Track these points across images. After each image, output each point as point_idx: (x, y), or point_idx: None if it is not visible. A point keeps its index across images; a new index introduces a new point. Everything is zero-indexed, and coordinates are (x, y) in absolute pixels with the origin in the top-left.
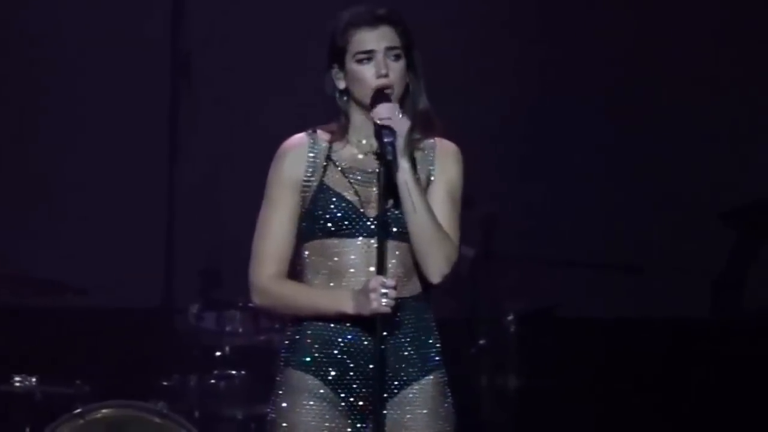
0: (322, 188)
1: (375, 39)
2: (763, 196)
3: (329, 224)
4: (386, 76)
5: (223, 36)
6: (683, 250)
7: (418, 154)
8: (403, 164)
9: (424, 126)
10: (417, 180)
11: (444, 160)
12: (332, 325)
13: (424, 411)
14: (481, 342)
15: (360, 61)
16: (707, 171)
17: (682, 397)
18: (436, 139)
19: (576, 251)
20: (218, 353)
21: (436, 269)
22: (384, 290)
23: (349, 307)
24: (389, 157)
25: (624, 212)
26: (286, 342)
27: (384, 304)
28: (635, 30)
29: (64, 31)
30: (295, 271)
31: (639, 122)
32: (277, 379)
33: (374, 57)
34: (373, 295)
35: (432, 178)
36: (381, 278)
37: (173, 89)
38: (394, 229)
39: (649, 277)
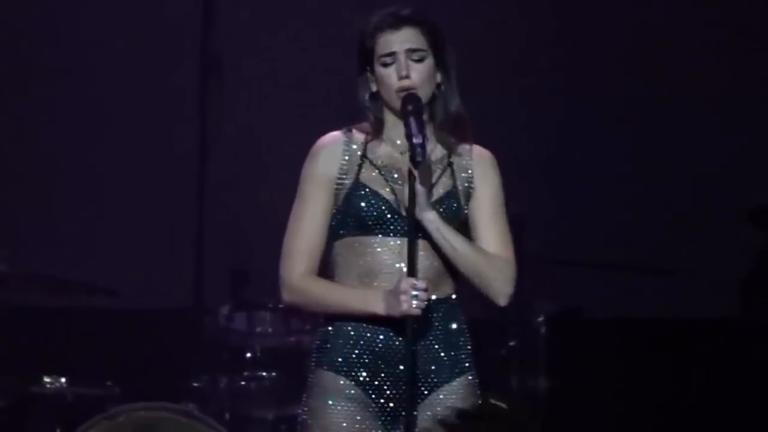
0: (358, 186)
1: (397, 41)
2: None
3: (365, 222)
4: (407, 77)
5: (254, 35)
6: (713, 250)
7: (454, 159)
8: (428, 215)
9: (456, 128)
10: (445, 223)
11: (483, 168)
12: (364, 325)
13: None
14: (512, 344)
15: (384, 64)
16: (735, 170)
17: (714, 398)
18: (472, 145)
19: (606, 253)
20: (248, 354)
21: (499, 294)
22: (415, 292)
23: (379, 307)
24: (419, 159)
25: (653, 213)
26: (317, 343)
27: (414, 306)
28: (649, 31)
29: (94, 29)
30: (326, 269)
31: (664, 122)
32: (309, 380)
33: (396, 59)
34: (403, 297)
35: (472, 188)
36: (412, 280)
37: (203, 88)
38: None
39: (679, 278)
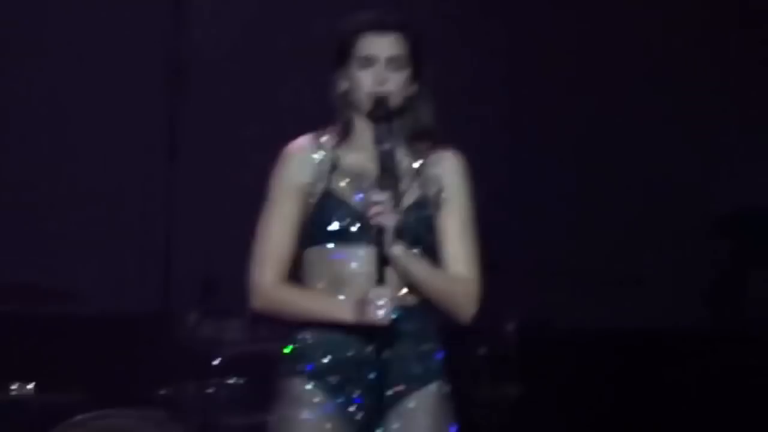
0: (328, 194)
1: (379, 46)
2: (757, 203)
3: (334, 231)
4: (384, 84)
5: (220, 44)
6: (681, 260)
7: (425, 166)
8: (396, 251)
9: (427, 137)
10: (413, 255)
11: (454, 176)
12: (334, 333)
13: (425, 421)
14: (482, 353)
15: (362, 67)
16: (702, 180)
17: (681, 408)
18: (442, 151)
19: (575, 262)
20: (217, 361)
21: (464, 315)
22: (382, 301)
23: (348, 315)
24: (387, 165)
25: (622, 223)
26: (287, 350)
27: (382, 315)
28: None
29: (60, 38)
30: (296, 276)
31: (633, 133)
32: (279, 388)
33: (375, 64)
34: (372, 306)
35: (443, 196)
36: (380, 289)
37: (171, 95)
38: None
39: (648, 287)
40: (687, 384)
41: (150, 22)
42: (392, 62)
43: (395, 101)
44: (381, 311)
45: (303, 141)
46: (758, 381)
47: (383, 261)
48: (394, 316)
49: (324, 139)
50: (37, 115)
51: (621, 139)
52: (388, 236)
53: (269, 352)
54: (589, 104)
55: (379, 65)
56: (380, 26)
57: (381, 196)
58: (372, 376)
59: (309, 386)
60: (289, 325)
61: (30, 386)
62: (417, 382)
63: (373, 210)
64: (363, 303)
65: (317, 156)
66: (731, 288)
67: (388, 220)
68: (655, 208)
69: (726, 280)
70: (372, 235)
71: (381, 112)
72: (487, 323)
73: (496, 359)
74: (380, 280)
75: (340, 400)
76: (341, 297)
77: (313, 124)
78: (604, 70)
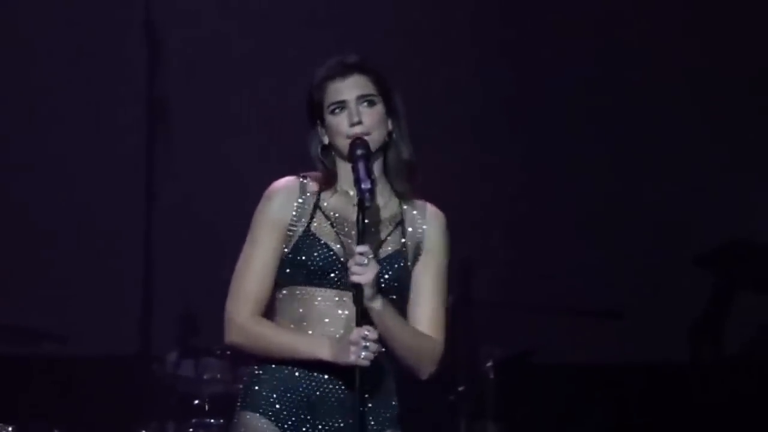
0: (308, 235)
1: (346, 88)
2: (738, 238)
3: (310, 272)
4: (360, 123)
5: (199, 79)
6: (661, 295)
7: (407, 215)
8: (376, 305)
9: (409, 177)
10: (391, 310)
11: (435, 233)
12: (297, 372)
13: None
14: (460, 389)
15: (333, 112)
16: (683, 215)
17: None
18: (425, 203)
19: (554, 297)
20: (196, 401)
21: (422, 374)
22: (366, 343)
23: (325, 354)
24: (367, 204)
25: (602, 257)
26: (244, 384)
27: (363, 357)
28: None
29: (40, 72)
30: (266, 313)
31: (611, 168)
32: (234, 421)
33: (347, 106)
34: (353, 348)
35: (421, 249)
36: (363, 330)
37: (149, 134)
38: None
39: (628, 322)
40: (669, 418)
41: (127, 60)
42: (362, 100)
43: (375, 137)
44: (361, 353)
45: (288, 180)
46: (741, 413)
47: (363, 313)
48: (372, 359)
49: (307, 180)
50: (14, 155)
51: (602, 172)
52: (367, 291)
53: None
54: (573, 140)
55: (350, 107)
56: (342, 70)
57: (362, 249)
58: (340, 420)
59: (264, 422)
60: (252, 360)
61: (10, 428)
62: (378, 427)
63: (353, 266)
64: (342, 343)
65: (301, 196)
66: (712, 321)
67: (368, 277)
68: (635, 242)
69: (707, 313)
70: (349, 285)
71: (359, 151)
72: (466, 359)
73: (475, 396)
74: (359, 320)
75: None
76: (319, 335)
77: (294, 160)
78: (585, 116)
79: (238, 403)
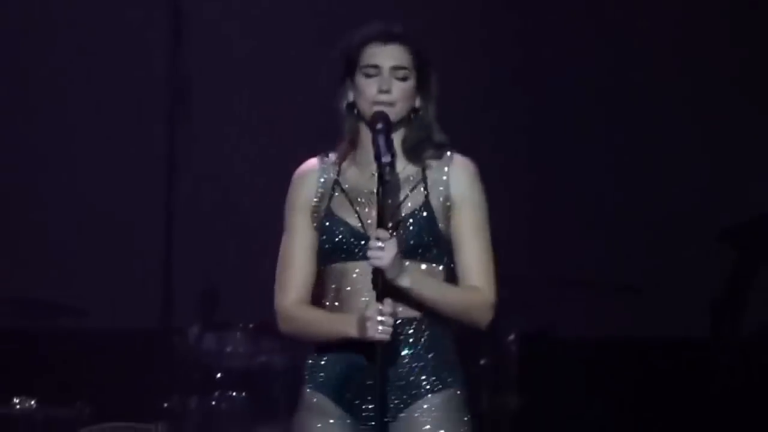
0: (329, 213)
1: (383, 55)
2: (763, 214)
3: (333, 248)
4: (388, 92)
5: (220, 62)
6: (683, 269)
7: (429, 173)
8: (404, 282)
9: (431, 150)
10: (423, 280)
11: (462, 182)
12: (348, 348)
13: (435, 429)
14: (483, 361)
15: (367, 75)
16: (705, 191)
17: (683, 417)
18: (452, 155)
19: (576, 271)
20: (219, 374)
21: (480, 324)
22: (381, 318)
23: (353, 331)
24: (387, 178)
25: (623, 232)
26: (307, 362)
27: (380, 331)
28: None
29: (62, 56)
30: (315, 294)
31: (635, 142)
32: (299, 398)
33: (380, 73)
34: (369, 324)
35: (450, 203)
36: (378, 305)
37: (171, 113)
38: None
39: (649, 297)
40: (688, 393)
41: (149, 41)
42: (396, 71)
43: (399, 110)
44: (377, 328)
45: (309, 163)
46: (759, 389)
47: (381, 294)
48: (391, 332)
49: (328, 158)
50: (36, 132)
51: (622, 150)
52: (390, 273)
53: (271, 365)
54: (592, 117)
55: (383, 74)
56: (385, 37)
57: (379, 234)
58: (378, 388)
59: (322, 397)
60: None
61: (32, 401)
62: (424, 390)
63: (370, 251)
64: (363, 319)
65: (322, 175)
66: (732, 297)
67: (386, 260)
68: (654, 219)
69: (728, 291)
70: (371, 268)
71: (380, 124)
72: (488, 332)
73: (497, 369)
74: (378, 296)
75: (352, 411)
76: (347, 314)
77: (314, 143)
78: (604, 82)
79: (302, 381)
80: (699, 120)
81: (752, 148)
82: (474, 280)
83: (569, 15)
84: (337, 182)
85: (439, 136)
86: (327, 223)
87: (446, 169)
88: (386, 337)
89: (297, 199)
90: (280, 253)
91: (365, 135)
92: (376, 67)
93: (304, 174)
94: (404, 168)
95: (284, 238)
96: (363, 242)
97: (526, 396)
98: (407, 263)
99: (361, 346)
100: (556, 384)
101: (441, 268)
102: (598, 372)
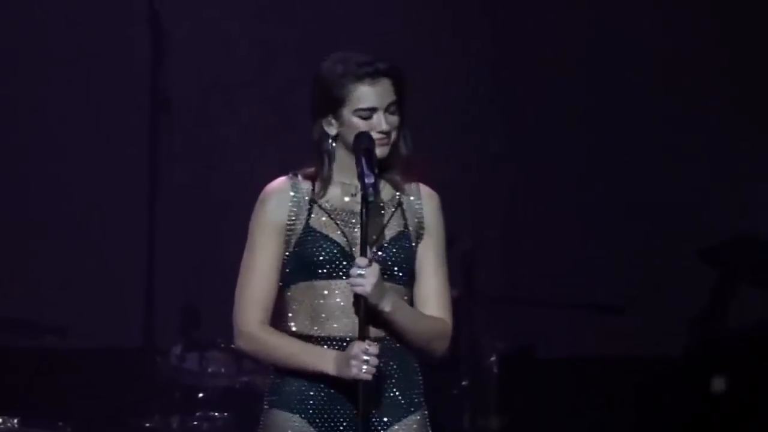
0: (308, 230)
1: (377, 95)
2: (741, 233)
3: (316, 266)
4: (386, 133)
5: (201, 75)
6: (663, 289)
7: (404, 198)
8: (386, 308)
9: (404, 168)
10: (401, 307)
11: (431, 210)
12: (319, 377)
13: None
14: (464, 383)
15: (361, 117)
16: (685, 210)
17: None
18: (418, 184)
19: (556, 291)
20: (201, 394)
21: (437, 354)
22: (366, 357)
23: (330, 368)
24: (371, 198)
25: (603, 251)
26: (270, 384)
27: (365, 371)
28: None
29: (42, 66)
30: (277, 312)
31: (616, 160)
32: (261, 421)
33: (376, 113)
34: (354, 362)
35: (422, 229)
36: (363, 345)
37: (153, 128)
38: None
39: (630, 316)
40: (669, 412)
41: (132, 56)
42: (389, 107)
43: (392, 140)
44: (362, 367)
45: (279, 181)
46: (739, 408)
47: (366, 321)
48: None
49: (297, 177)
50: (18, 147)
51: (603, 168)
52: (372, 299)
53: (253, 385)
54: (576, 137)
55: (379, 115)
56: (374, 74)
57: (362, 262)
58: (355, 410)
59: (293, 417)
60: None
61: (14, 420)
62: (401, 413)
63: (353, 278)
64: (344, 358)
65: (294, 194)
66: (713, 316)
67: (368, 287)
68: (638, 237)
69: (708, 308)
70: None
71: (364, 145)
72: (469, 354)
73: (478, 390)
74: (361, 335)
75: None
76: (324, 348)
77: (291, 160)
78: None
79: (265, 404)
80: (677, 143)
81: (731, 170)
82: (436, 311)
83: (558, 15)
84: (313, 201)
85: (411, 155)
86: (309, 238)
87: (418, 196)
88: (369, 377)
89: (266, 217)
90: (242, 270)
91: (346, 159)
92: (373, 108)
93: (275, 192)
94: (383, 187)
95: (247, 255)
96: (346, 262)
97: (507, 417)
98: (388, 285)
99: (327, 381)
100: (537, 405)
101: (410, 291)
102: (580, 392)
